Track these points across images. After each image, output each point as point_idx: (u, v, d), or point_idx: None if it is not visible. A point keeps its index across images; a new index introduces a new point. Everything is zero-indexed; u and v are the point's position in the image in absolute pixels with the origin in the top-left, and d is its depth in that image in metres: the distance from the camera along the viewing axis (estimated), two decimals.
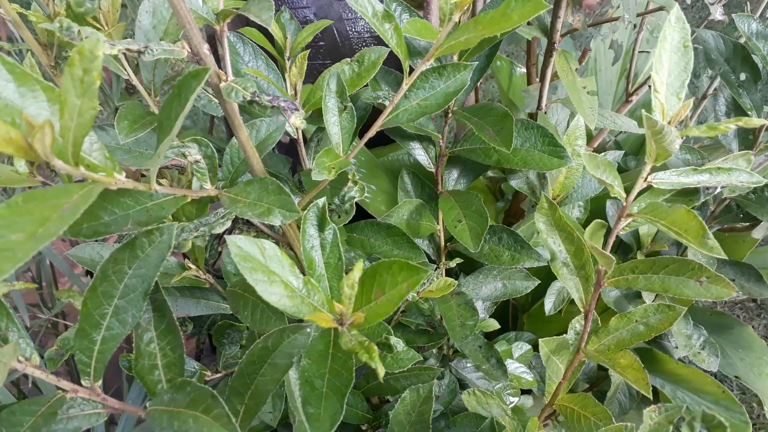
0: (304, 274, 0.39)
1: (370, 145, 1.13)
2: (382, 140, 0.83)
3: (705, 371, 1.11)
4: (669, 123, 0.40)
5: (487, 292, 0.76)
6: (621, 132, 1.13)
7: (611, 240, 0.47)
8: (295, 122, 0.41)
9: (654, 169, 0.44)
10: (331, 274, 0.44)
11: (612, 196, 0.48)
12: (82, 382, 0.38)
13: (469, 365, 0.80)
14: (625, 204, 0.45)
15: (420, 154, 0.72)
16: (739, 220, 0.82)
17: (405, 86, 0.48)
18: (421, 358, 0.47)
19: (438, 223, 0.74)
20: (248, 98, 0.39)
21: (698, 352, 0.88)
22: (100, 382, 0.38)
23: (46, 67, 0.51)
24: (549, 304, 0.84)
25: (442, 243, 0.76)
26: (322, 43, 1.13)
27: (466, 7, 0.42)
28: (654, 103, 0.40)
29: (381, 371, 0.31)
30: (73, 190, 0.28)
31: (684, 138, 0.96)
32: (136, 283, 0.36)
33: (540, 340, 0.54)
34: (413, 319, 0.72)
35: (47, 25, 0.38)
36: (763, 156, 0.89)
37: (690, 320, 0.88)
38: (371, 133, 0.50)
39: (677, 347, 0.88)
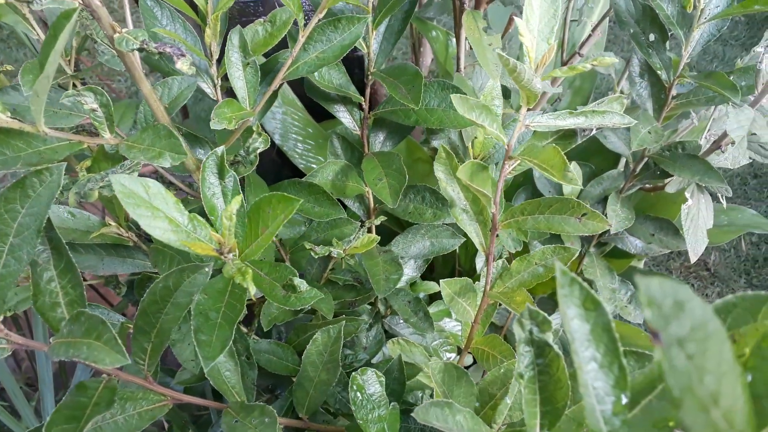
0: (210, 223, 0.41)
1: (319, 118, 1.15)
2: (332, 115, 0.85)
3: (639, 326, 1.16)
4: (537, 66, 0.43)
5: (416, 251, 0.79)
6: (557, 100, 1.17)
7: (500, 183, 0.50)
8: (182, 67, 0.43)
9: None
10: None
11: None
12: None
13: (401, 322, 0.83)
14: (507, 147, 0.48)
15: (345, 117, 0.74)
16: (658, 177, 0.86)
17: (302, 39, 0.51)
18: (324, 297, 0.49)
19: (366, 185, 0.76)
20: (137, 46, 0.40)
21: (625, 306, 0.92)
22: (1, 317, 0.40)
23: None
24: (480, 262, 0.88)
25: (371, 203, 0.79)
26: (261, 9, 1.14)
27: None
28: (523, 47, 0.43)
29: (252, 289, 0.34)
30: None
31: (565, 96, 0.98)
32: (29, 222, 0.38)
33: (441, 281, 0.57)
34: (342, 276, 0.74)
35: None
36: (690, 120, 0.94)
37: (615, 275, 0.92)
38: (275, 85, 0.52)
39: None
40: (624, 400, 0.23)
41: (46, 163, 0.39)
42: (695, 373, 0.14)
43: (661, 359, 0.14)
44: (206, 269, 0.44)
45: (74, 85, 0.59)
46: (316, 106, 0.78)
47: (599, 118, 0.47)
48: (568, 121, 0.47)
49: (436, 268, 1.25)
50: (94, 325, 0.38)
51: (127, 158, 0.47)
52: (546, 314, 0.31)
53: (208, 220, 0.44)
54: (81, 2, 0.42)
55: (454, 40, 1.10)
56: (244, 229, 0.42)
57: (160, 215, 0.37)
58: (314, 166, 1.07)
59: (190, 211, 0.40)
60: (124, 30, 0.43)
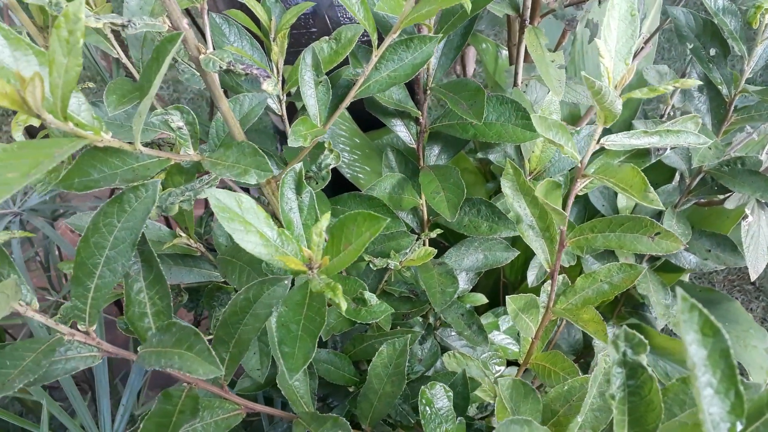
0: None
1: (365, 128, 1.16)
2: (377, 123, 0.86)
3: None
4: (615, 87, 0.44)
5: (469, 263, 0.80)
6: None
7: (570, 200, 0.50)
8: (267, 88, 0.45)
9: (606, 132, 0.47)
10: (309, 234, 0.47)
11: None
12: (78, 327, 0.41)
13: (453, 334, 0.83)
14: (580, 165, 0.48)
15: (401, 130, 0.75)
16: (714, 193, 0.85)
17: (374, 58, 0.52)
18: (392, 310, 0.50)
19: (420, 198, 0.77)
20: (224, 67, 0.42)
21: (677, 322, 0.91)
22: (95, 327, 0.41)
23: (41, 47, 0.55)
24: (531, 276, 0.88)
25: (425, 216, 0.79)
26: (314, 30, 1.16)
27: None
28: (601, 68, 0.43)
29: (343, 305, 0.35)
30: (62, 142, 0.32)
31: (640, 103, 0.98)
32: (125, 235, 0.39)
33: (507, 297, 0.58)
34: (397, 287, 0.75)
35: (37, 1, 0.41)
36: (745, 133, 0.92)
37: (669, 290, 0.91)
38: (346, 103, 0.54)
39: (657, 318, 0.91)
40: (739, 427, 0.24)
41: (140, 180, 0.40)
42: None
43: None
44: (285, 282, 0.45)
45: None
46: (362, 116, 0.79)
47: (674, 138, 0.47)
48: (642, 140, 0.47)
49: (479, 279, 1.25)
50: (186, 335, 0.39)
51: (206, 174, 0.49)
52: (641, 337, 0.31)
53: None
54: (170, 25, 0.44)
55: (503, 51, 1.10)
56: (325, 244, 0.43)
57: (252, 230, 0.38)
58: (360, 175, 1.08)
59: None
60: (209, 51, 0.44)
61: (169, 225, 0.82)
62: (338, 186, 1.09)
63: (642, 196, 0.42)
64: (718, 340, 0.23)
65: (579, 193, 0.64)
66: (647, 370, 0.32)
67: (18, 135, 0.48)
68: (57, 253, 1.38)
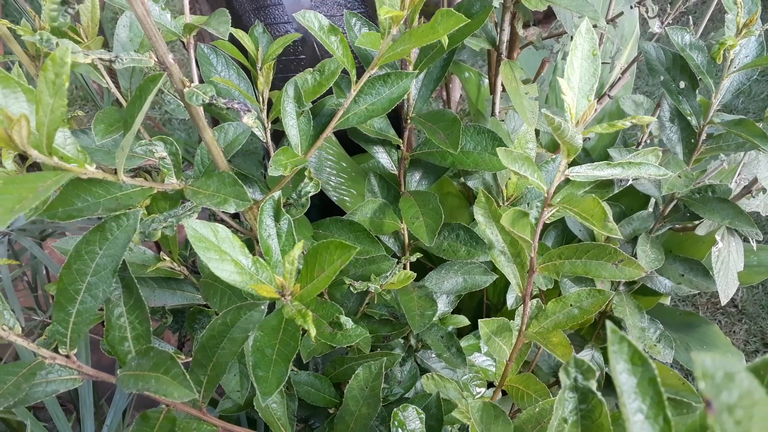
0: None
1: (352, 152, 1.19)
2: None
3: (670, 367, 1.16)
4: (578, 122, 0.46)
5: (449, 286, 0.82)
6: (587, 139, 1.19)
7: (538, 228, 0.52)
8: (247, 121, 0.47)
9: (575, 162, 0.49)
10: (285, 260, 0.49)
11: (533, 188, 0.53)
12: (60, 351, 0.43)
13: (433, 356, 0.85)
14: (546, 195, 0.50)
15: (383, 157, 0.78)
16: (687, 219, 0.87)
17: (353, 92, 0.54)
18: (368, 335, 0.52)
19: (401, 222, 0.79)
20: (207, 101, 0.44)
21: (654, 345, 0.93)
22: (75, 351, 0.43)
23: (33, 77, 0.57)
24: (510, 299, 0.90)
25: (406, 240, 0.81)
26: (303, 56, 1.19)
27: (402, 21, 0.48)
28: (565, 104, 0.46)
29: (313, 332, 0.37)
30: (47, 176, 0.34)
31: (593, 136, 1.01)
32: (107, 262, 0.41)
33: (480, 321, 0.59)
34: (377, 310, 0.77)
35: (29, 37, 0.43)
36: (719, 161, 0.95)
37: (644, 314, 0.93)
38: (326, 134, 0.56)
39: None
40: None
41: (123, 209, 0.42)
42: None
43: (714, 425, 0.16)
44: (262, 307, 0.47)
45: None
46: (349, 140, 0.82)
47: (635, 170, 0.49)
48: (605, 172, 0.49)
49: (463, 301, 1.27)
50: (163, 360, 0.41)
51: (189, 201, 0.51)
52: (590, 363, 0.33)
53: (263, 259, 0.47)
54: (156, 61, 0.46)
55: (485, 80, 1.13)
56: (299, 271, 0.45)
57: (227, 258, 0.40)
58: (347, 198, 1.10)
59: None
60: (193, 85, 0.46)
61: (159, 248, 0.84)
62: (327, 208, 1.11)
63: (601, 225, 0.44)
64: (646, 369, 0.25)
65: (551, 220, 0.66)
66: (597, 395, 0.34)
67: (8, 163, 0.50)
68: (45, 272, 1.39)
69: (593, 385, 0.33)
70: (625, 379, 0.25)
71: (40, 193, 0.31)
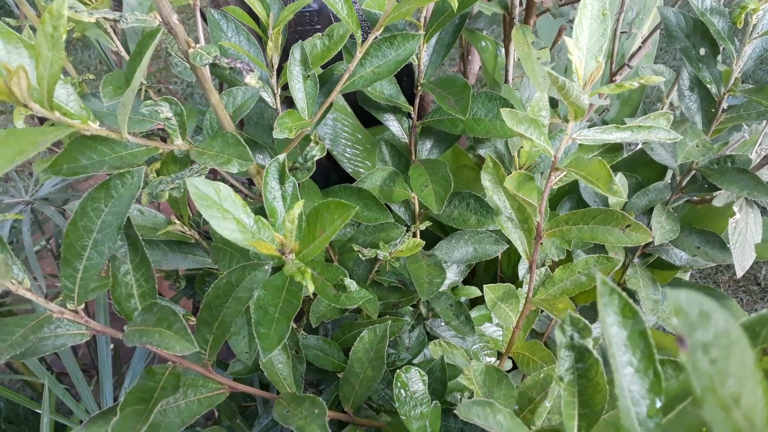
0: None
1: (368, 124, 1.18)
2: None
3: None
4: (585, 83, 0.45)
5: (459, 256, 0.81)
6: (606, 110, 1.17)
7: (546, 192, 0.52)
8: (250, 81, 0.47)
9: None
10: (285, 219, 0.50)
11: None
12: (68, 306, 0.44)
13: (442, 324, 0.85)
14: (554, 159, 0.50)
15: (394, 125, 0.77)
16: (705, 190, 0.85)
17: (359, 54, 0.54)
18: (372, 297, 0.52)
19: (412, 190, 0.79)
20: (210, 61, 0.44)
21: (668, 317, 0.92)
22: (83, 306, 0.44)
23: None
24: (522, 270, 0.89)
25: (417, 209, 0.81)
26: (318, 26, 1.18)
27: None
28: (572, 65, 0.45)
29: (311, 287, 0.37)
30: (48, 130, 0.34)
31: (613, 107, 0.99)
32: (112, 219, 0.42)
33: (485, 286, 0.59)
34: (386, 277, 0.77)
35: None
36: (742, 132, 0.93)
37: (659, 286, 0.92)
38: (332, 97, 0.56)
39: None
40: (658, 404, 0.25)
41: (127, 167, 0.43)
42: (717, 376, 0.16)
43: (686, 362, 0.16)
44: (266, 267, 0.47)
45: (146, 92, 0.64)
46: (365, 113, 0.81)
47: (645, 133, 0.48)
48: (614, 135, 0.48)
49: (478, 273, 1.27)
50: (166, 315, 0.41)
51: (196, 162, 0.51)
52: (585, 321, 0.33)
53: (268, 221, 0.47)
54: (161, 21, 0.46)
55: (502, 49, 1.11)
56: (302, 231, 0.45)
57: (229, 216, 0.41)
58: (362, 170, 1.10)
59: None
60: (198, 45, 0.46)
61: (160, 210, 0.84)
62: (343, 181, 1.12)
63: (607, 188, 0.43)
64: (636, 321, 0.25)
65: (560, 184, 0.65)
66: (593, 353, 0.33)
67: (20, 124, 0.51)
68: None
69: (589, 343, 0.33)
70: (615, 331, 0.25)
71: (41, 145, 0.32)
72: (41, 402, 1.16)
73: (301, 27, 1.15)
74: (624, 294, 0.25)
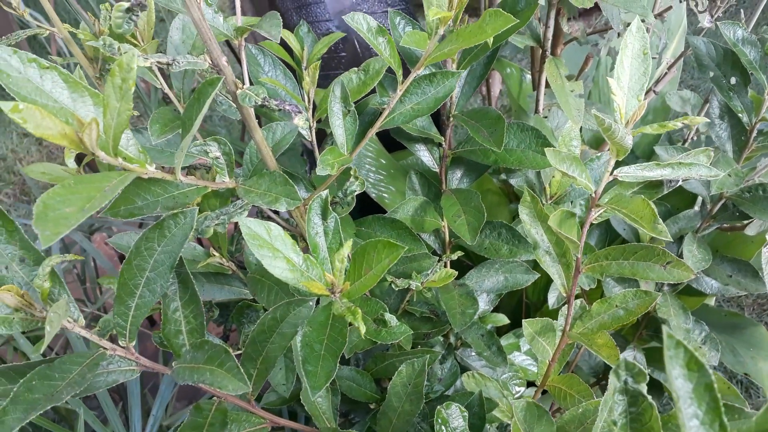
0: None
1: (391, 148, 1.19)
2: (403, 144, 0.89)
3: (713, 368, 1.13)
4: (627, 122, 0.46)
5: (490, 285, 0.81)
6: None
7: (585, 229, 0.52)
8: (298, 122, 0.48)
9: (619, 164, 0.49)
10: (333, 258, 0.50)
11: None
12: (119, 343, 0.45)
13: (473, 354, 0.85)
14: (594, 196, 0.50)
15: (425, 155, 0.78)
16: (736, 219, 0.85)
17: (399, 92, 0.55)
18: (412, 331, 0.52)
19: (442, 220, 0.79)
20: (259, 102, 0.45)
21: (699, 347, 0.91)
22: (134, 343, 0.45)
23: (92, 78, 0.59)
24: (552, 299, 0.89)
25: (447, 238, 0.82)
26: (343, 54, 1.20)
27: (449, 22, 0.48)
28: (614, 104, 0.45)
29: (363, 329, 0.38)
30: (112, 176, 0.35)
31: (662, 136, 0.99)
32: (164, 258, 0.43)
33: (524, 321, 0.59)
34: (418, 307, 0.77)
35: (93, 42, 0.45)
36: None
37: (690, 315, 0.91)
38: (371, 133, 0.57)
39: None
40: None
41: (180, 207, 0.44)
42: None
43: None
44: (310, 303, 0.48)
45: None
46: (388, 137, 0.82)
47: (686, 170, 0.48)
48: (655, 173, 0.49)
49: (502, 299, 1.26)
50: (218, 353, 0.42)
51: (239, 199, 0.52)
52: (641, 366, 0.33)
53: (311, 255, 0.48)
54: (210, 63, 0.47)
55: (527, 76, 1.12)
56: (346, 269, 0.46)
57: (280, 256, 0.41)
58: (385, 195, 1.11)
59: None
60: (245, 87, 0.48)
61: (201, 243, 0.86)
62: (365, 205, 1.12)
63: (651, 228, 0.44)
64: (702, 374, 0.25)
65: (598, 220, 0.65)
66: (648, 398, 0.34)
67: (71, 162, 0.53)
68: (93, 265, 1.44)
69: (644, 388, 0.33)
70: (680, 384, 0.25)
71: (108, 193, 0.33)
72: (65, 425, 1.17)
73: (326, 54, 1.16)
74: (690, 347, 0.25)
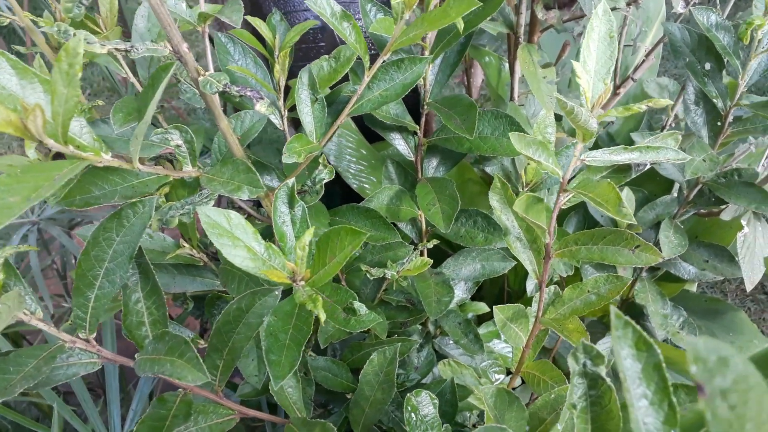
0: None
1: (372, 139, 1.19)
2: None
3: None
4: (593, 106, 0.45)
5: (467, 273, 0.81)
6: (610, 123, 1.17)
7: (555, 213, 0.52)
8: (260, 108, 0.47)
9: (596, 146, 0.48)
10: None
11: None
12: (79, 335, 0.44)
13: (451, 342, 0.85)
14: (562, 180, 0.50)
15: (400, 144, 0.77)
16: (712, 204, 0.85)
17: (367, 78, 0.54)
18: (381, 320, 0.52)
19: (418, 209, 0.79)
20: (220, 89, 0.44)
21: (677, 332, 0.91)
22: (94, 335, 0.44)
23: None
24: (530, 286, 0.89)
25: (424, 227, 0.81)
26: (322, 43, 1.19)
27: (414, 5, 0.48)
28: (580, 88, 0.45)
29: (322, 316, 0.37)
30: (63, 164, 0.35)
31: (617, 120, 0.99)
32: (123, 248, 0.42)
33: (495, 307, 0.59)
34: (394, 296, 0.77)
35: (49, 29, 0.44)
36: (747, 144, 0.93)
37: (667, 301, 0.91)
38: (340, 121, 0.56)
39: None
40: None
41: (139, 196, 0.43)
42: (737, 422, 0.16)
43: (705, 409, 0.16)
44: (276, 292, 0.48)
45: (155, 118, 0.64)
46: (369, 128, 0.82)
47: (653, 154, 0.48)
48: (622, 156, 0.48)
49: (484, 287, 1.27)
50: (178, 344, 0.41)
51: (206, 187, 0.52)
52: (598, 349, 0.33)
53: (277, 245, 0.47)
54: (171, 50, 0.46)
55: (506, 65, 1.12)
56: (311, 257, 0.46)
57: (240, 244, 0.41)
58: (366, 185, 1.10)
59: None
60: (207, 73, 0.47)
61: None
62: (347, 196, 1.12)
63: (616, 211, 0.43)
64: (651, 354, 0.25)
65: (568, 205, 0.65)
66: (606, 380, 0.33)
67: (31, 152, 0.52)
68: (73, 261, 1.42)
69: (602, 370, 0.33)
70: (629, 364, 0.25)
71: (56, 182, 0.32)
72: (47, 423, 1.16)
73: (305, 45, 1.15)
74: (638, 327, 0.25)
